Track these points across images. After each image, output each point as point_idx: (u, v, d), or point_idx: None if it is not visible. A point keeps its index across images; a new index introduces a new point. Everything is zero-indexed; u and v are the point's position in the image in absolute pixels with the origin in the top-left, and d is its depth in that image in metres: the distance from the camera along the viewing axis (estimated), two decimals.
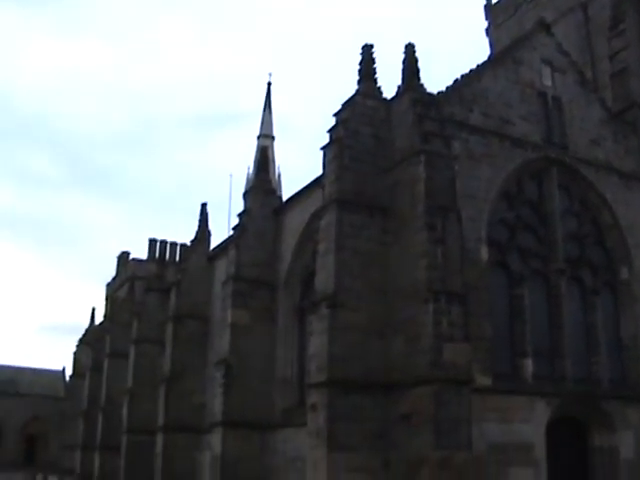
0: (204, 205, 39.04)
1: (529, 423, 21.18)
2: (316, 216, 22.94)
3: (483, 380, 20.22)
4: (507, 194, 23.63)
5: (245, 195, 30.76)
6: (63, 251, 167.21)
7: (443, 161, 20.63)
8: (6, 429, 79.60)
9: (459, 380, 18.56)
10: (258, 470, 27.16)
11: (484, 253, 21.91)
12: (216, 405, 28.79)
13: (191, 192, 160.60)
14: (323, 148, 22.32)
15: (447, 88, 23.06)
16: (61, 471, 58.43)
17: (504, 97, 24.11)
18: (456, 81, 23.37)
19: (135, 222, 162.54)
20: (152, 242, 59.49)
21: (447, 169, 20.63)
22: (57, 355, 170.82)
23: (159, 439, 35.68)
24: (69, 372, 77.98)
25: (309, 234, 26.59)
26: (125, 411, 43.63)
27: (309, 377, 21.09)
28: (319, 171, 23.64)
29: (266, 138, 31.75)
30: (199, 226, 38.58)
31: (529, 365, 22.32)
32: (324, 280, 20.72)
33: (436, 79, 25.81)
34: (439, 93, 22.65)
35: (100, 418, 51.55)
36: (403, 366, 19.57)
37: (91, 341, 63.62)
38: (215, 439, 28.21)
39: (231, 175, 61.71)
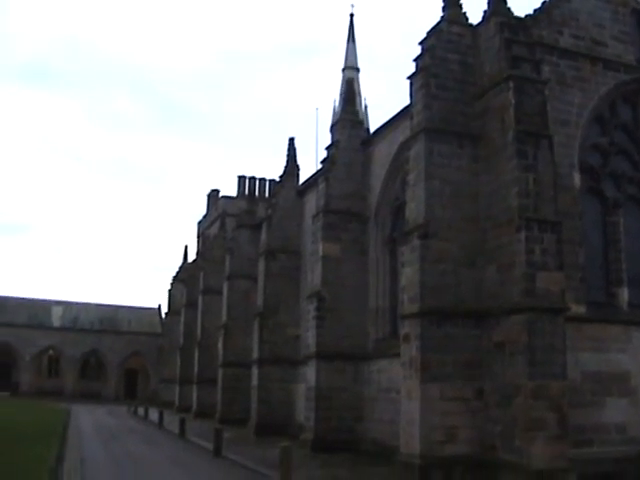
0: (292, 140, 39.18)
1: (625, 352, 20.88)
2: (404, 146, 22.73)
3: (577, 309, 19.97)
4: (600, 118, 22.94)
5: (332, 128, 30.56)
6: (153, 191, 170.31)
7: (533, 86, 20.11)
8: (108, 365, 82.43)
9: (553, 309, 18.34)
10: (352, 400, 27.58)
11: (577, 179, 21.44)
12: (310, 337, 29.22)
13: (278, 127, 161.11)
14: (410, 77, 22.00)
15: (535, 11, 22.34)
16: (161, 404, 60.30)
17: (595, 17, 23.23)
18: (544, 3, 22.60)
19: (224, 160, 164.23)
20: (241, 179, 60.03)
21: (537, 94, 20.11)
22: (153, 293, 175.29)
23: (254, 372, 36.44)
24: (165, 309, 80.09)
25: (398, 165, 26.44)
26: (220, 345, 44.61)
27: (401, 308, 21.15)
28: (406, 102, 23.44)
29: (351, 70, 31.40)
30: (287, 161, 38.76)
31: (624, 294, 21.91)
32: (414, 210, 20.63)
33: (523, 2, 24.97)
34: (527, 16, 21.95)
35: (196, 353, 52.92)
36: (496, 295, 19.45)
37: (185, 278, 65.03)
38: (310, 371, 28.67)
39: (317, 109, 61.80)
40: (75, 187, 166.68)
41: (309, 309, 29.67)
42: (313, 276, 30.02)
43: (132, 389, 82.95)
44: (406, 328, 20.23)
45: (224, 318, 45.05)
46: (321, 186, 30.06)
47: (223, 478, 20.54)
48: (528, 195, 18.94)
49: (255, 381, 36.28)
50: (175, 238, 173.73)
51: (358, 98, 30.98)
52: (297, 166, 38.77)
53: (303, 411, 30.07)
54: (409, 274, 20.33)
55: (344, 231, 29.05)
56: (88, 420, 44.69)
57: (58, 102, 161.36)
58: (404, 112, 24.98)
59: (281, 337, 36.00)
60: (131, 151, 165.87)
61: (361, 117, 30.61)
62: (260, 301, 37.44)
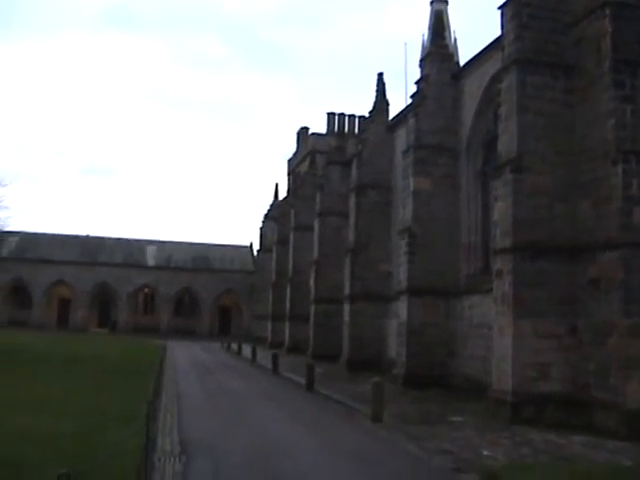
0: (380, 75, 38.67)
1: None
2: (496, 79, 22.18)
3: None
4: None
5: (422, 62, 29.94)
6: (244, 131, 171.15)
7: (631, 12, 19.23)
8: (202, 302, 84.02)
9: None
10: (443, 336, 27.52)
11: None
12: (401, 273, 29.17)
13: (366, 64, 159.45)
14: (501, 7, 21.31)
15: None
16: (253, 340, 61.33)
17: None
18: None
19: (312, 97, 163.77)
20: (330, 116, 59.72)
21: (636, 21, 19.25)
22: (245, 231, 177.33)
23: (346, 308, 36.64)
24: (256, 247, 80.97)
25: (489, 98, 25.87)
26: (312, 282, 44.91)
27: (494, 243, 20.86)
28: (497, 33, 22.77)
29: (439, 2, 30.56)
30: (376, 96, 38.33)
31: None
32: (507, 144, 20.17)
33: None
34: None
35: (288, 289, 53.39)
36: (591, 230, 18.94)
37: (276, 216, 65.46)
38: (401, 306, 28.68)
39: (406, 43, 60.67)
40: (163, 129, 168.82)
41: (400, 245, 29.58)
42: (404, 212, 29.81)
43: (225, 326, 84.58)
44: (498, 263, 19.95)
45: (315, 255, 45.33)
46: (411, 121, 29.68)
47: (316, 412, 20.78)
48: (625, 127, 18.26)
49: (347, 317, 36.52)
50: (266, 176, 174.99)
51: (447, 31, 30.16)
52: (386, 101, 38.33)
53: (394, 347, 30.17)
54: (502, 208, 19.98)
55: (435, 166, 28.69)
56: (183, 356, 45.80)
57: (143, 45, 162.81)
58: (495, 44, 24.30)
59: (372, 273, 36.05)
60: (219, 91, 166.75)
61: (451, 50, 29.90)
62: (351, 237, 37.50)
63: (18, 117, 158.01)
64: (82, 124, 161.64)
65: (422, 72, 30.00)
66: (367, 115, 39.86)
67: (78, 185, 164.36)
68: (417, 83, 29.97)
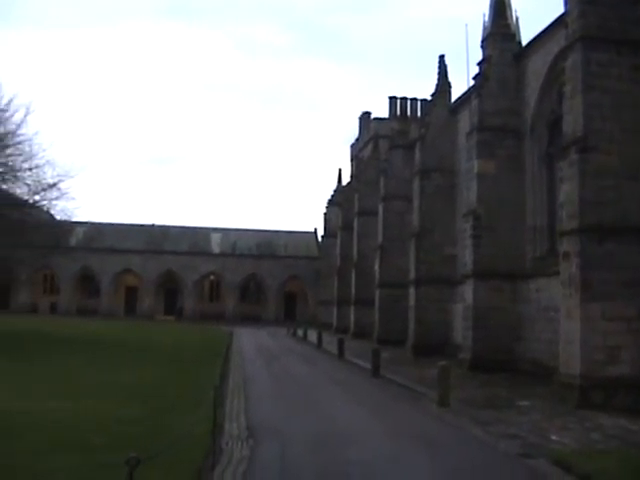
0: (442, 57, 38.29)
1: None
2: (560, 57, 21.79)
3: None
4: None
5: (483, 43, 29.52)
6: (305, 117, 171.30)
7: None
8: (267, 289, 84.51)
9: None
10: (510, 320, 27.22)
11: None
12: (466, 256, 28.95)
13: (426, 47, 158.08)
14: None
15: None
16: (319, 325, 61.53)
17: None
18: None
19: (373, 82, 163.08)
20: (392, 100, 59.27)
21: None
22: (308, 217, 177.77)
23: (411, 292, 36.52)
24: (321, 233, 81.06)
25: (553, 77, 25.46)
26: (377, 266, 44.87)
27: (560, 225, 20.53)
28: (560, 10, 22.33)
29: None
30: (438, 79, 37.99)
31: None
32: (572, 123, 19.77)
33: None
34: None
35: (353, 274, 53.45)
36: None
37: (340, 201, 65.51)
38: (467, 290, 28.47)
39: (467, 25, 59.88)
40: (226, 117, 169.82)
41: (465, 228, 29.34)
42: (468, 194, 29.54)
43: (291, 311, 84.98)
44: (565, 246, 19.64)
45: (380, 239, 45.27)
46: (474, 103, 29.36)
47: (382, 397, 20.77)
48: None
49: (412, 301, 36.41)
50: (329, 162, 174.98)
51: (509, 10, 29.69)
52: (449, 83, 37.97)
53: (460, 331, 29.98)
54: (568, 190, 19.63)
55: (499, 148, 28.34)
56: (249, 341, 46.16)
57: (203, 35, 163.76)
58: (558, 21, 23.83)
59: (437, 257, 35.85)
60: (280, 79, 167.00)
61: (513, 30, 29.42)
62: (415, 221, 37.33)
63: (83, 108, 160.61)
64: (145, 114, 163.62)
65: (484, 53, 29.61)
66: (429, 98, 39.58)
67: (143, 175, 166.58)
68: (479, 64, 29.62)
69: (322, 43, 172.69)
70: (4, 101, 41.88)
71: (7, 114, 42.14)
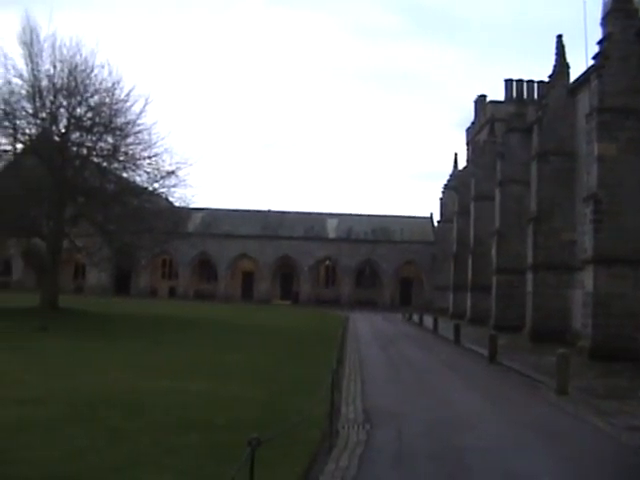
0: (559, 37, 37.30)
1: None
2: None
3: None
4: None
5: (603, 21, 28.56)
6: (418, 100, 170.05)
7: None
8: (382, 274, 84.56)
9: None
10: (632, 307, 26.40)
11: None
12: (586, 242, 28.22)
13: (542, 26, 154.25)
14: None
15: None
16: (434, 310, 61.25)
17: None
18: None
19: (488, 65, 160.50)
20: (508, 82, 58.20)
21: None
22: (424, 202, 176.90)
23: (529, 278, 35.94)
24: (437, 217, 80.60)
25: None
26: (494, 252, 44.38)
27: None
28: None
29: None
30: (556, 60, 37.07)
31: None
32: None
33: None
34: None
35: (469, 260, 53.01)
36: None
37: (456, 186, 64.97)
38: (586, 276, 27.78)
39: (585, 2, 58.06)
40: (339, 101, 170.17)
41: (585, 212, 28.60)
42: (588, 178, 28.75)
43: (406, 296, 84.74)
44: None
45: (497, 224, 44.71)
46: (594, 83, 28.52)
47: (498, 384, 20.55)
48: None
49: (530, 287, 35.83)
50: (444, 146, 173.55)
51: None
52: (567, 64, 37.00)
53: (580, 318, 29.29)
54: None
55: (620, 130, 27.45)
56: (365, 326, 46.35)
57: (312, 19, 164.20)
58: None
59: (556, 242, 35.12)
60: (393, 61, 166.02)
61: (635, 5, 28.41)
62: (533, 206, 36.65)
63: (196, 96, 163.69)
64: (257, 99, 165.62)
65: (604, 31, 28.69)
66: (547, 80, 38.67)
67: (257, 160, 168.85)
68: (599, 43, 28.70)
69: (434, 25, 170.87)
70: (124, 92, 43.25)
71: (127, 104, 43.53)
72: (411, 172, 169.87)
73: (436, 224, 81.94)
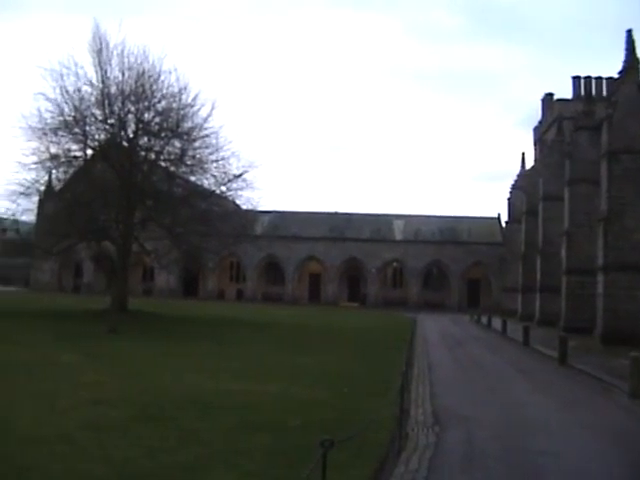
0: (629, 31, 36.52)
1: None
2: None
3: None
4: None
5: None
6: (483, 100, 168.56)
7: None
8: (450, 275, 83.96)
9: None
10: None
11: None
12: None
13: (609, 21, 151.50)
14: None
15: None
16: (503, 312, 60.59)
17: None
18: None
19: (554, 62, 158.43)
20: (576, 80, 57.52)
21: None
22: (491, 202, 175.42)
23: (599, 279, 35.32)
24: (504, 218, 79.80)
25: None
26: (563, 253, 43.79)
27: None
28: None
29: None
30: (626, 55, 36.30)
31: None
32: None
33: None
34: None
35: (538, 260, 52.39)
36: None
37: (523, 186, 64.24)
38: None
39: None
40: (400, 102, 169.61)
41: None
42: None
43: (474, 298, 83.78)
44: None
45: (566, 224, 44.09)
46: None
47: (569, 386, 20.26)
48: None
49: (600, 289, 35.19)
50: (511, 146, 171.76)
51: None
52: (637, 60, 36.16)
53: None
54: None
55: None
56: (433, 328, 46.10)
57: (372, 21, 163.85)
58: None
59: (628, 242, 34.43)
60: (453, 61, 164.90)
61: None
62: (603, 205, 35.99)
63: (261, 99, 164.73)
64: (320, 102, 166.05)
65: None
66: (616, 76, 37.94)
67: (322, 162, 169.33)
68: None
69: (498, 24, 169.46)
70: (190, 97, 43.83)
71: (194, 109, 44.09)
72: (477, 172, 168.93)
73: (504, 225, 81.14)
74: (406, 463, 10.08)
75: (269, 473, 8.98)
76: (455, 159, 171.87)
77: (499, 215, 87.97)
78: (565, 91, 61.60)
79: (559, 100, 60.22)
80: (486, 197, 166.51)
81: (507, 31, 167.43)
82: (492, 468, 10.19)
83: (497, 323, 44.62)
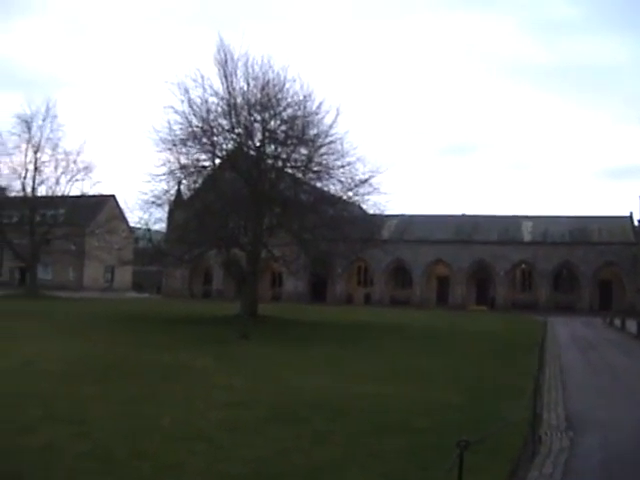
0: None
1: None
2: None
3: None
4: None
5: None
6: (607, 96, 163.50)
7: None
8: (581, 277, 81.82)
9: None
10: None
11: None
12: None
13: None
14: None
15: None
16: (638, 314, 58.67)
17: None
18: None
19: None
20: None
21: None
22: (618, 200, 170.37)
23: None
24: (636, 216, 77.34)
25: None
26: None
27: None
28: None
29: None
30: None
31: None
32: None
33: None
34: None
35: None
36: None
37: None
38: None
39: None
40: (519, 100, 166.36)
41: None
42: None
43: (606, 300, 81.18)
44: None
45: None
46: None
47: None
48: None
49: None
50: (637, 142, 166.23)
51: None
52: None
53: None
54: None
55: None
56: (564, 331, 45.10)
57: (487, 18, 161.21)
58: None
59: None
60: (575, 56, 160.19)
61: None
62: None
63: (381, 104, 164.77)
64: (440, 103, 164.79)
65: None
66: None
67: (446, 165, 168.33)
68: None
69: (620, 14, 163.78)
70: (315, 104, 44.34)
71: (318, 116, 44.56)
72: (604, 170, 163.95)
73: (636, 223, 78.61)
74: (540, 468, 9.99)
75: (404, 476, 9.09)
76: (580, 157, 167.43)
77: (631, 213, 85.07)
78: None
79: None
80: (612, 195, 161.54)
81: (632, 21, 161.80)
82: (630, 476, 10.00)
83: (632, 326, 43.28)
